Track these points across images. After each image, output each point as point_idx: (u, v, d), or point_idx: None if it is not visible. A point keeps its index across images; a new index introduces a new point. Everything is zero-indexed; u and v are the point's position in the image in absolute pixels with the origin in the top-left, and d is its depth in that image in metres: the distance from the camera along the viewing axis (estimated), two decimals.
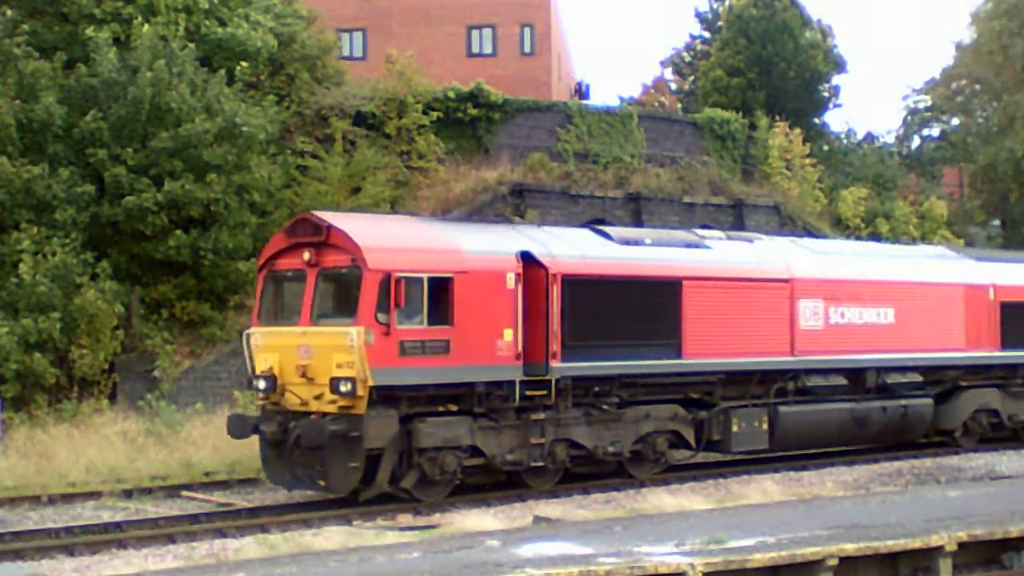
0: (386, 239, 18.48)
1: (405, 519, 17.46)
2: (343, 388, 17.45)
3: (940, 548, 14.37)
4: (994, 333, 26.06)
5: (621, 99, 54.47)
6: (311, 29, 35.95)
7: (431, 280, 18.08)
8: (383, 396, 17.68)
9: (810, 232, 36.25)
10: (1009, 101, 48.63)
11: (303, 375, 17.97)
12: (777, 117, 43.52)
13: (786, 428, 22.20)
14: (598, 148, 36.79)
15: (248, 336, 19.05)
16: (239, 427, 18.75)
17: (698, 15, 59.19)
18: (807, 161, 42.68)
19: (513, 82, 40.45)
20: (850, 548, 13.85)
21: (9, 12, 27.65)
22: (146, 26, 29.02)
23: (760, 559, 13.25)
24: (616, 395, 20.23)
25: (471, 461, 18.69)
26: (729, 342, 21.43)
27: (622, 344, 20.14)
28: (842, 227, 41.40)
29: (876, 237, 39.69)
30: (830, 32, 52.88)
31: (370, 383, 17.42)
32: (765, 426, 21.95)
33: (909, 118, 60.01)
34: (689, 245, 21.80)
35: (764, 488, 20.33)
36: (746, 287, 21.87)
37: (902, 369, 24.23)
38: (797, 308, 22.55)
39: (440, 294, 18.18)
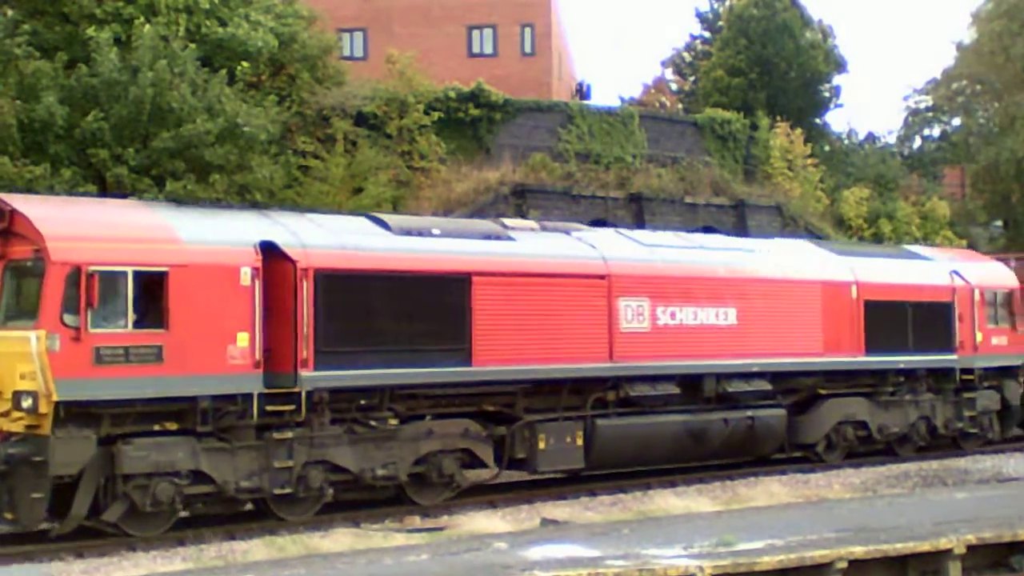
0: (78, 225, 15.63)
1: (413, 521, 17.42)
2: (24, 403, 14.76)
3: (949, 551, 14.32)
4: (857, 336, 23.52)
5: (622, 99, 54.59)
6: (312, 29, 35.90)
7: (138, 275, 15.32)
8: (75, 413, 14.93)
9: (812, 233, 36.19)
10: (1010, 102, 48.65)
11: None
12: (778, 117, 43.58)
13: (605, 444, 19.71)
14: (599, 148, 36.81)
15: None
16: None
17: (698, 15, 59.29)
18: (809, 161, 42.75)
19: (514, 82, 40.45)
20: (859, 551, 13.81)
21: (10, 12, 27.58)
22: (147, 26, 28.92)
23: (768, 562, 13.22)
24: (390, 409, 17.65)
25: (196, 488, 15.89)
26: (532, 347, 18.75)
27: (395, 350, 17.43)
28: (845, 228, 41.42)
29: (879, 238, 39.71)
30: (831, 32, 53.03)
31: (55, 397, 14.61)
32: (580, 442, 19.47)
33: (910, 118, 60.11)
34: (487, 236, 19.10)
35: (771, 490, 20.32)
36: (553, 284, 19.13)
37: (747, 376, 21.62)
38: (617, 307, 19.86)
39: (151, 292, 15.45)
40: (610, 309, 19.77)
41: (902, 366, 24.36)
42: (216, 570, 13.98)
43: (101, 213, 16.46)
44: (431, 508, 18.13)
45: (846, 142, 55.53)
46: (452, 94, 35.65)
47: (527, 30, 46.11)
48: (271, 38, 32.51)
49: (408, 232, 18.21)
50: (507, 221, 20.39)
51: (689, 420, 20.82)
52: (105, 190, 27.37)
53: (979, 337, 25.75)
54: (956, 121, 57.60)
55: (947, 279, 25.64)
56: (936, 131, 60.09)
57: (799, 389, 22.84)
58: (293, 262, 16.43)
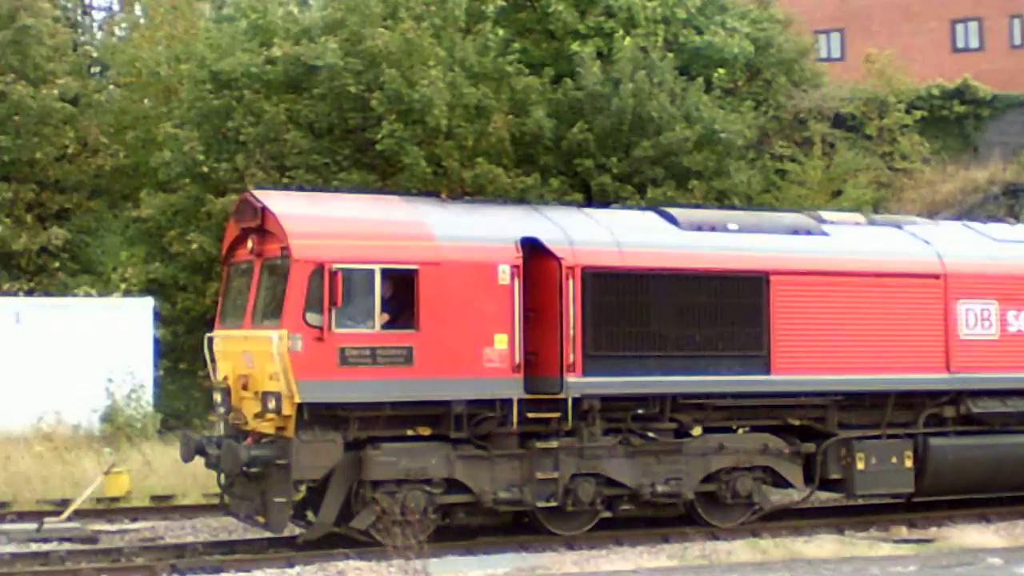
0: (323, 222, 15.17)
1: (900, 531, 16.97)
2: (269, 405, 14.45)
3: None
4: None
5: None
6: (788, 32, 35.76)
7: (386, 273, 14.66)
8: (321, 416, 14.45)
9: None
10: None
11: (245, 387, 15.08)
12: None
13: (942, 466, 17.28)
14: None
15: (208, 340, 16.28)
16: (184, 447, 15.91)
17: None
18: None
19: (1003, 77, 38.28)
20: None
21: (501, 32, 29.30)
22: (627, 39, 29.87)
23: None
24: (672, 419, 16.17)
25: (450, 498, 15.08)
26: (845, 354, 16.79)
27: (678, 356, 15.93)
28: None
29: None
30: None
31: (296, 399, 14.19)
32: (909, 463, 17.14)
33: None
34: (794, 232, 17.30)
35: None
36: (871, 284, 17.05)
37: None
38: (955, 311, 17.51)
39: (400, 290, 14.79)
40: (946, 313, 17.47)
41: None
42: (700, 569, 14.24)
43: (351, 209, 16.10)
44: (920, 519, 17.56)
45: None
46: (935, 91, 34.45)
47: (1016, 21, 43.59)
48: (747, 44, 32.68)
49: (699, 227, 16.71)
50: (826, 215, 18.55)
51: None
52: (590, 198, 28.56)
53: None
54: None
55: None
56: None
57: None
58: (559, 259, 15.35)
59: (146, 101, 30.28)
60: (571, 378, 15.18)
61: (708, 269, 16.15)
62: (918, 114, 33.50)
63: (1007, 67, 41.03)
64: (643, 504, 16.05)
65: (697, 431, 16.38)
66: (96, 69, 34.15)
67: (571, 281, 15.28)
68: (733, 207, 27.10)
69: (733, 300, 16.24)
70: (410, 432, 15.09)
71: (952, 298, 17.50)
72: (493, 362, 14.93)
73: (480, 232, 15.47)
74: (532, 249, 15.41)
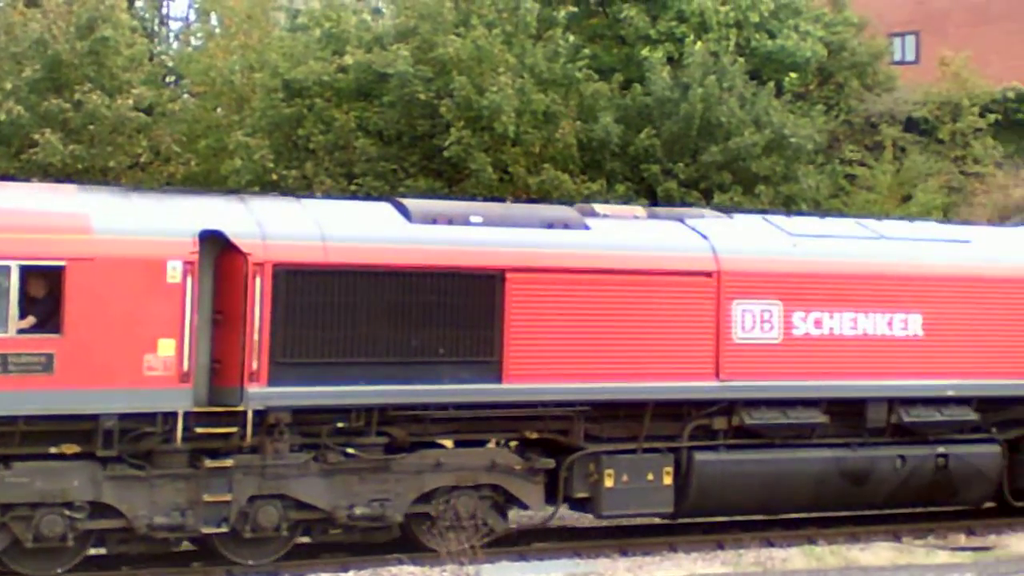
0: None
1: (958, 539, 16.88)
2: None
3: None
4: None
5: None
6: (861, 36, 35.50)
7: (29, 269, 13.12)
8: None
9: None
10: None
11: None
12: None
13: (708, 484, 15.79)
14: None
15: None
16: None
17: None
18: None
19: None
20: None
21: (572, 38, 29.43)
22: (698, 44, 29.86)
23: None
24: (383, 433, 14.57)
25: (97, 524, 13.61)
26: (594, 360, 15.13)
27: (389, 362, 14.30)
28: None
29: None
30: None
31: None
32: (668, 480, 15.60)
33: None
34: (548, 225, 15.44)
35: None
36: (629, 283, 15.29)
37: (938, 402, 16.94)
38: (728, 312, 15.82)
39: (43, 289, 13.28)
40: (719, 314, 15.81)
41: None
42: (754, 575, 14.33)
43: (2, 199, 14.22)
44: (978, 526, 17.44)
45: None
46: (1011, 94, 34.03)
47: None
48: (820, 47, 32.50)
49: (434, 220, 14.93)
50: (599, 207, 16.80)
51: (843, 457, 16.56)
52: (656, 204, 28.61)
53: None
54: None
55: None
56: None
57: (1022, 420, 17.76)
58: (245, 255, 13.77)
59: (219, 110, 30.81)
60: (253, 388, 13.69)
61: (433, 266, 14.54)
62: (992, 117, 33.04)
63: None
64: (348, 529, 14.55)
65: (449, 443, 14.93)
66: (171, 79, 34.85)
67: (259, 279, 13.73)
68: (801, 212, 26.99)
69: (461, 300, 14.63)
70: (53, 450, 13.50)
71: (727, 298, 15.86)
72: (156, 370, 13.39)
73: (152, 224, 13.83)
74: (216, 243, 13.90)
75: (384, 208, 15.43)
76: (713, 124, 28.73)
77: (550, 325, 14.90)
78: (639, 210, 17.23)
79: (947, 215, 29.72)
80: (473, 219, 15.22)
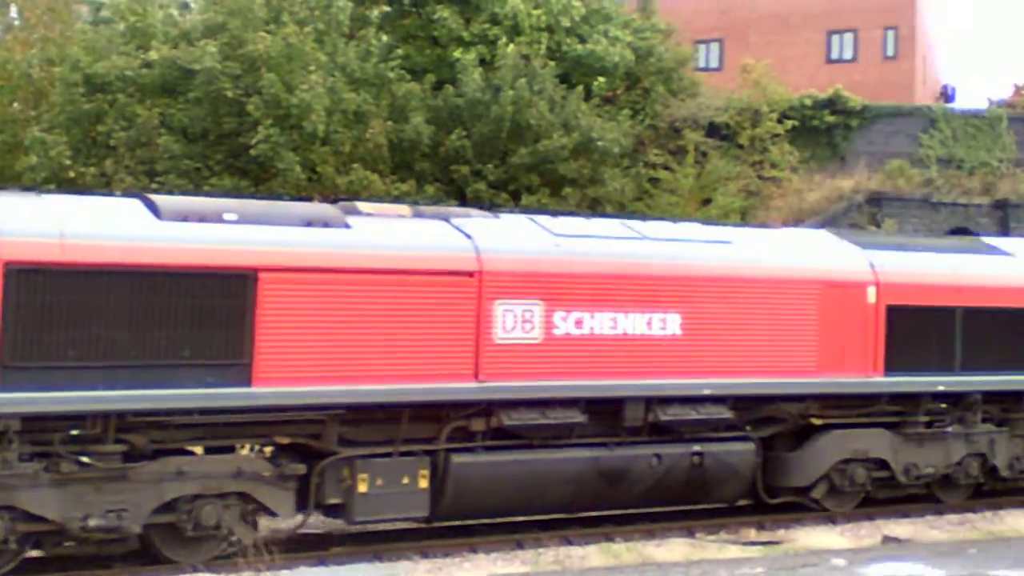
0: None
1: (748, 534, 17.41)
2: None
3: None
4: (873, 351, 18.14)
5: (990, 101, 51.94)
6: (668, 42, 36.39)
7: None
8: None
9: None
10: None
11: None
12: None
13: (464, 487, 15.37)
14: (963, 153, 35.44)
15: None
16: None
17: None
18: None
19: (874, 87, 39.48)
20: None
21: (385, 37, 29.44)
22: (510, 46, 30.19)
23: None
24: (122, 440, 13.71)
25: None
26: (349, 362, 14.58)
27: (127, 366, 13.44)
28: None
29: None
30: None
31: None
32: (424, 483, 15.16)
33: None
34: (307, 223, 14.86)
35: None
36: (388, 283, 14.82)
37: (695, 400, 16.83)
38: (490, 312, 15.38)
39: None
40: (479, 314, 15.31)
41: (942, 389, 18.85)
42: (553, 574, 14.52)
43: None
44: (768, 520, 18.04)
45: None
46: (808, 102, 35.36)
47: (890, 33, 44.83)
48: (628, 53, 33.21)
49: (184, 218, 14.17)
50: (362, 205, 16.21)
51: (600, 456, 16.22)
52: (465, 205, 28.82)
53: None
54: None
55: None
56: None
57: (780, 418, 17.93)
58: None
59: (16, 105, 29.90)
60: None
61: (181, 265, 13.80)
62: (789, 124, 34.37)
63: (878, 78, 42.28)
64: (81, 541, 13.55)
65: (199, 450, 14.29)
66: None
67: None
68: (606, 215, 27.54)
69: (209, 301, 13.87)
70: None
71: (488, 298, 15.36)
72: None
73: None
74: None
75: (133, 205, 14.50)
76: (523, 126, 29.12)
77: (306, 326, 14.23)
78: (404, 209, 16.64)
79: (745, 218, 30.75)
80: (227, 216, 14.39)
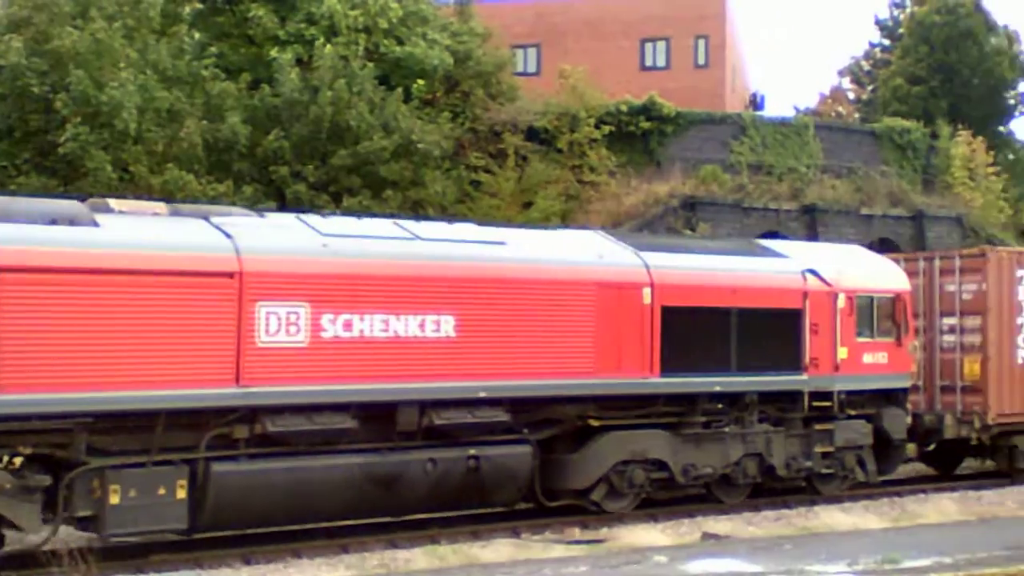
0: None
1: (573, 533, 17.54)
2: None
3: None
4: (650, 351, 18.16)
5: (797, 109, 53.81)
6: (486, 46, 36.52)
7: None
8: None
9: (992, 244, 35.09)
10: None
11: None
12: (960, 126, 42.43)
13: (226, 496, 14.76)
14: (772, 159, 36.49)
15: None
16: None
17: (878, 23, 58.12)
18: (991, 171, 41.51)
19: (686, 94, 40.33)
20: None
21: (198, 35, 28.80)
22: (328, 47, 29.89)
23: None
24: None
25: None
26: (98, 367, 13.76)
27: None
28: None
29: None
30: (1017, 38, 51.24)
31: None
32: (182, 494, 14.49)
33: None
34: (51, 221, 14.01)
35: (942, 507, 19.86)
36: (142, 285, 14.13)
37: (471, 404, 16.56)
38: (252, 315, 14.81)
39: None
40: (240, 317, 14.76)
41: (718, 390, 19.12)
42: None
43: None
44: (593, 520, 18.18)
45: None
46: (624, 107, 35.86)
47: (701, 42, 45.89)
48: (447, 56, 33.21)
49: None
50: (114, 203, 15.41)
51: (372, 462, 15.84)
52: (284, 206, 28.39)
53: (843, 353, 20.28)
54: None
55: (797, 280, 20.09)
56: None
57: (558, 420, 17.83)
58: None
59: None
60: None
61: None
62: (606, 129, 34.82)
63: (691, 85, 43.23)
64: None
65: None
66: None
67: None
68: (428, 218, 27.47)
69: None
70: None
71: (250, 299, 14.86)
72: None
73: None
74: None
75: None
76: (342, 127, 28.86)
77: (50, 330, 13.49)
78: (160, 206, 15.96)
79: (565, 221, 31.05)
80: None
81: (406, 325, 15.95)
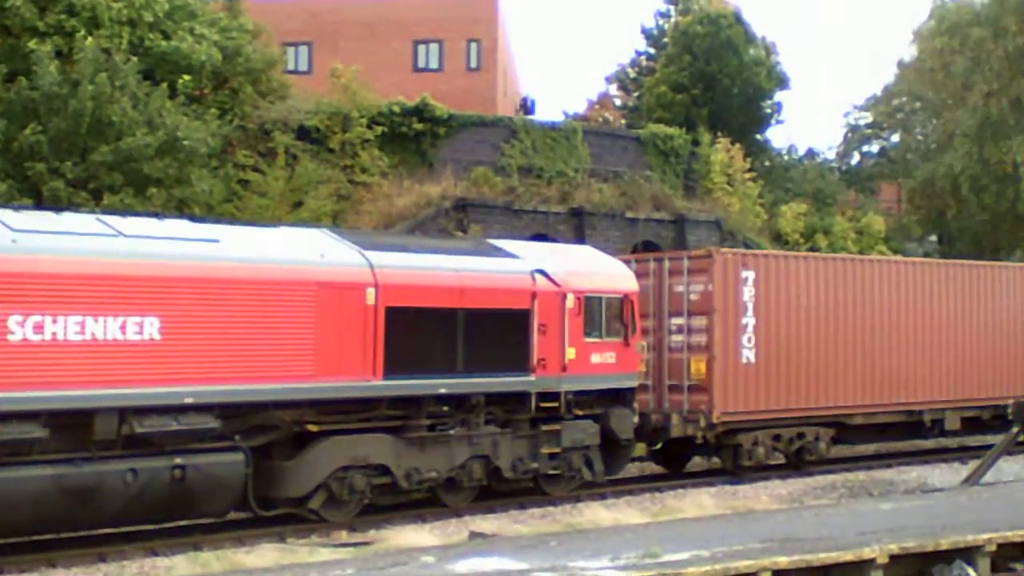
0: None
1: (339, 536, 17.41)
2: None
3: (872, 560, 14.47)
4: (372, 353, 17.79)
5: (566, 114, 54.69)
6: (256, 43, 35.97)
7: None
8: None
9: (749, 247, 36.49)
10: (948, 118, 49.23)
11: None
12: (720, 133, 43.95)
13: None
14: (542, 163, 37.05)
15: None
16: None
17: (644, 31, 59.52)
18: (748, 176, 43.18)
19: (459, 97, 40.62)
20: (783, 561, 13.93)
21: None
22: (89, 39, 28.92)
23: (694, 573, 13.28)
24: None
25: None
26: None
27: None
28: (782, 242, 41.84)
29: (815, 251, 40.08)
30: (774, 49, 53.38)
31: None
32: None
33: (849, 135, 60.73)
34: None
35: (700, 502, 20.45)
36: None
37: (177, 410, 15.83)
38: None
39: None
40: None
41: (444, 392, 18.83)
42: None
43: None
44: (359, 522, 18.06)
45: (786, 158, 56.03)
46: (396, 109, 35.85)
47: (473, 45, 46.30)
48: (215, 51, 32.56)
49: None
50: None
51: (65, 474, 14.86)
52: (41, 204, 27.31)
53: (571, 354, 20.27)
54: (895, 138, 58.39)
55: (526, 281, 19.95)
56: (875, 147, 60.82)
57: (274, 426, 17.25)
58: None
59: None
60: None
61: None
62: (379, 130, 34.81)
63: (463, 88, 43.56)
64: None
65: None
66: None
67: None
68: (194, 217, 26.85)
69: None
70: None
71: None
72: None
73: None
74: None
75: None
76: (104, 123, 27.95)
77: None
78: None
79: (335, 221, 30.83)
80: None
81: (105, 327, 15.11)
